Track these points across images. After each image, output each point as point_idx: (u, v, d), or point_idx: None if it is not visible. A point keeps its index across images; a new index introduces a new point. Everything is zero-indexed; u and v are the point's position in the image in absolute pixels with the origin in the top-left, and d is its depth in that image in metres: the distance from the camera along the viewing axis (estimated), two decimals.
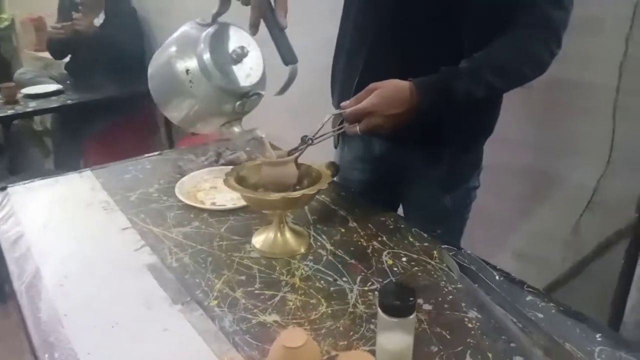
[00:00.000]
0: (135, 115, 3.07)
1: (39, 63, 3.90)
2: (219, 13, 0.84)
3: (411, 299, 0.64)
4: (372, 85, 0.95)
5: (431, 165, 1.14)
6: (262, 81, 0.86)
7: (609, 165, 1.37)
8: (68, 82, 2.85)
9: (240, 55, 0.83)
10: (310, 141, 0.93)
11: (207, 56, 0.81)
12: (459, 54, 0.97)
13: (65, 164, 2.82)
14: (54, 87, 2.65)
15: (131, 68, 2.86)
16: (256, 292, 0.82)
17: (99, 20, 2.79)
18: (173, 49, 0.83)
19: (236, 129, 0.89)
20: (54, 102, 2.49)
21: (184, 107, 0.86)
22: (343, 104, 0.96)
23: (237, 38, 0.85)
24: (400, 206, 1.30)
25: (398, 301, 0.63)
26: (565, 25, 0.97)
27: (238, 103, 0.85)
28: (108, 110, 2.78)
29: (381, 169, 1.21)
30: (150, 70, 0.88)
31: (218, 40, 0.83)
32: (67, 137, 2.86)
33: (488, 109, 1.11)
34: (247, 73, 0.84)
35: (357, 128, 0.94)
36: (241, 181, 0.94)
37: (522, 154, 1.54)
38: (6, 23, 4.59)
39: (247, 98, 0.85)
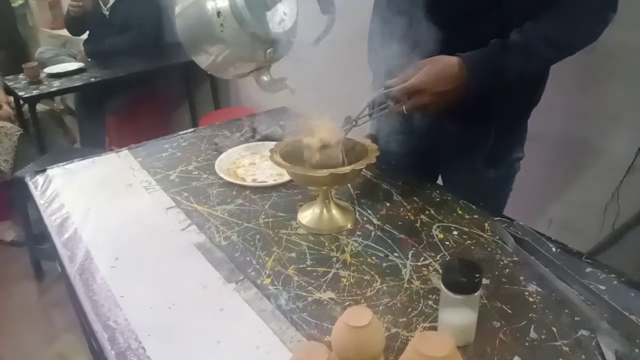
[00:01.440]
0: (157, 90, 3.07)
1: (56, 41, 3.89)
2: None
3: (477, 275, 0.63)
4: (420, 62, 0.92)
5: (474, 138, 1.11)
6: (294, 28, 0.84)
7: None
8: (89, 60, 2.84)
9: (274, 0, 0.80)
10: (354, 122, 0.91)
11: (241, 3, 0.77)
12: (507, 24, 0.93)
13: (90, 143, 2.85)
14: (76, 65, 2.65)
15: (150, 42, 2.85)
16: (308, 269, 0.82)
17: None
18: None
19: (265, 78, 0.87)
20: (77, 81, 2.48)
21: (213, 51, 0.83)
22: (388, 82, 0.93)
23: None
24: (440, 178, 1.28)
25: (463, 278, 0.62)
26: None
27: (269, 50, 0.82)
28: (130, 86, 2.77)
29: (420, 142, 1.18)
30: (177, 9, 0.84)
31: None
32: (91, 115, 2.87)
33: (536, 79, 1.07)
34: (280, 19, 0.82)
35: (404, 107, 0.92)
36: (285, 157, 0.92)
37: (560, 120, 1.50)
38: (20, 2, 4.56)
39: (279, 45, 0.82)
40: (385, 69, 1.12)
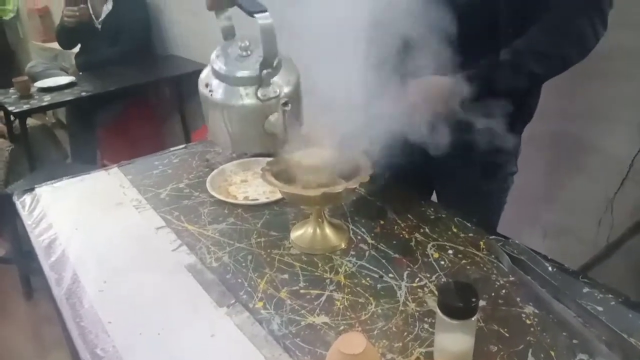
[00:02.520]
0: (148, 103, 3.06)
1: (47, 54, 3.87)
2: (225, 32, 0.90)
3: (473, 299, 0.61)
4: (414, 82, 0.92)
5: (467, 152, 1.11)
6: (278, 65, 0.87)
7: None
8: (80, 73, 2.82)
9: (244, 48, 0.86)
10: (347, 140, 0.90)
11: (215, 64, 0.86)
12: (497, 41, 0.93)
13: (81, 157, 2.82)
14: (67, 79, 2.62)
15: (141, 56, 2.84)
16: (301, 291, 0.81)
17: (107, 7, 2.75)
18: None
19: (272, 118, 0.87)
20: (68, 95, 2.45)
21: (219, 123, 0.89)
22: (381, 102, 0.92)
23: (244, 39, 0.89)
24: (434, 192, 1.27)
25: (460, 302, 0.61)
26: (611, 4, 0.91)
27: (258, 90, 0.85)
28: (121, 100, 2.76)
29: (414, 157, 1.17)
30: None
31: (225, 49, 0.89)
32: (82, 129, 2.84)
33: (529, 95, 1.07)
34: (256, 60, 0.85)
35: (399, 126, 0.90)
36: (277, 174, 0.91)
37: (553, 123, 1.48)
38: (11, 15, 4.54)
39: (262, 81, 0.85)
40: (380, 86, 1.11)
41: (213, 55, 0.89)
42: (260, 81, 0.84)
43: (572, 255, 1.18)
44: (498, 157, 1.14)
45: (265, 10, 0.80)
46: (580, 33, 0.92)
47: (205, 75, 0.91)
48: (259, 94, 0.85)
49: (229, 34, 0.91)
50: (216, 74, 0.87)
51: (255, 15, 0.79)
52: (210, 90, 0.87)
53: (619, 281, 1.56)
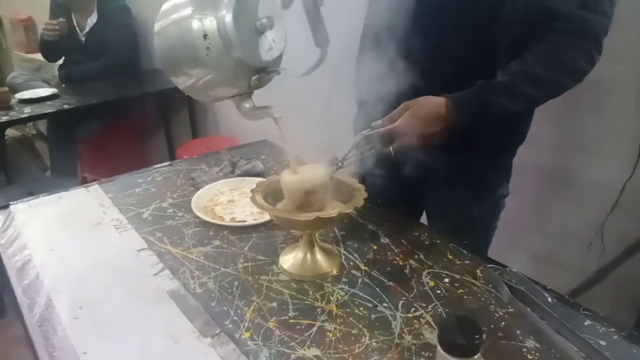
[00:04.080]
0: (131, 117, 3.00)
1: (30, 65, 3.79)
2: None
3: (477, 336, 0.58)
4: (405, 104, 0.90)
5: (458, 174, 1.09)
6: (281, 57, 0.79)
7: (638, 165, 1.32)
8: (63, 85, 2.76)
9: (265, 26, 0.75)
10: (340, 164, 0.87)
11: (229, 22, 0.71)
12: (493, 62, 0.92)
13: (61, 170, 2.75)
14: (48, 91, 2.56)
15: (125, 68, 2.80)
16: (291, 321, 0.76)
17: (92, 20, 2.70)
18: (189, 7, 0.73)
19: (246, 105, 0.80)
20: (49, 107, 2.38)
21: (194, 74, 0.76)
22: (374, 123, 0.91)
23: (265, 7, 0.76)
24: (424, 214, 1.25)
25: (462, 339, 0.57)
26: (605, 31, 0.91)
27: (254, 77, 0.77)
28: (104, 114, 2.70)
29: (405, 177, 1.15)
30: (156, 26, 0.77)
31: (243, 5, 0.73)
32: (63, 142, 2.77)
33: (522, 118, 1.06)
34: (268, 46, 0.77)
35: (391, 149, 0.90)
36: (267, 196, 0.87)
37: (543, 151, 1.48)
38: None
39: (265, 73, 0.77)
40: (371, 102, 1.09)
41: (229, 14, 0.72)
42: (261, 70, 0.77)
43: (559, 281, 1.15)
44: (490, 180, 1.13)
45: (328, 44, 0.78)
46: (575, 58, 0.91)
47: (204, 14, 0.73)
48: (253, 81, 0.77)
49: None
50: (226, 39, 0.72)
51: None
52: (207, 48, 0.73)
53: (609, 307, 1.55)
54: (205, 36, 0.72)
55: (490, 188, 1.13)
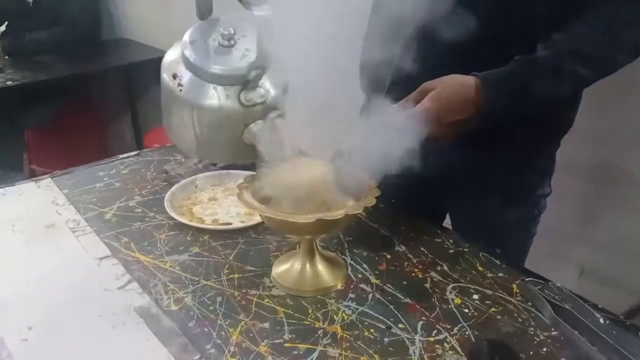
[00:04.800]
0: (91, 98, 3.00)
1: None
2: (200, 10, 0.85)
3: None
4: (427, 85, 0.89)
5: (489, 170, 1.09)
6: (261, 62, 0.84)
7: None
8: (6, 57, 2.76)
9: (228, 37, 0.83)
10: (346, 156, 0.87)
11: (189, 52, 0.82)
12: (530, 33, 0.92)
13: (4, 160, 2.76)
14: None
15: (85, 39, 2.79)
16: (286, 345, 0.76)
17: None
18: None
19: (253, 127, 0.83)
20: None
21: (187, 124, 0.85)
22: (389, 109, 0.90)
23: (227, 25, 0.85)
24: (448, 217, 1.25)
25: None
26: None
27: (241, 93, 0.82)
28: (57, 93, 2.71)
29: (425, 175, 1.16)
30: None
31: (203, 33, 0.84)
32: (6, 127, 2.78)
33: (569, 100, 1.06)
34: (241, 54, 0.83)
35: (409, 139, 0.88)
36: (257, 194, 0.87)
37: (590, 147, 1.49)
38: None
39: (249, 82, 0.82)
40: (382, 89, 1.09)
41: (186, 38, 0.84)
42: (245, 82, 0.81)
43: (612, 299, 1.16)
44: (528, 177, 1.13)
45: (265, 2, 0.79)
46: (632, 30, 0.91)
47: (172, 60, 0.86)
48: (243, 98, 0.81)
49: (205, 10, 0.88)
50: (189, 65, 0.83)
51: (254, 8, 0.78)
52: (179, 85, 0.83)
53: None
54: (174, 76, 0.83)
55: (528, 187, 1.14)
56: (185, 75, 0.82)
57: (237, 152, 0.88)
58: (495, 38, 0.92)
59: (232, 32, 0.83)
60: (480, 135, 0.93)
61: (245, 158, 0.89)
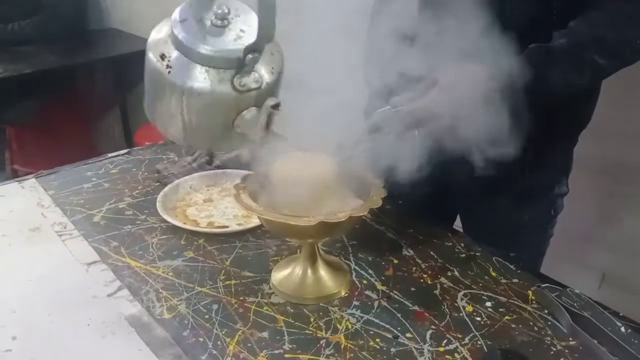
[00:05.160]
0: (77, 92, 3.00)
1: None
2: None
3: None
4: (433, 76, 0.90)
5: (503, 169, 1.09)
6: (258, 44, 0.83)
7: None
8: None
9: (222, 16, 0.81)
10: (350, 153, 0.88)
11: (179, 30, 0.80)
12: (547, 20, 0.94)
13: None
14: None
15: (70, 28, 2.80)
16: (287, 355, 0.78)
17: None
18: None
19: (246, 115, 0.83)
20: None
21: (174, 110, 0.83)
22: (395, 99, 0.91)
23: (221, 3, 0.83)
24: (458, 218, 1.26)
25: None
26: None
27: (235, 77, 0.81)
28: (40, 87, 2.71)
29: (432, 172, 1.16)
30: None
31: (194, 11, 0.83)
32: None
33: (587, 93, 1.07)
34: (235, 36, 0.82)
35: (416, 133, 0.90)
36: (255, 195, 0.88)
37: (611, 144, 1.49)
38: None
39: (244, 66, 0.81)
40: (388, 84, 1.09)
41: (176, 16, 0.83)
42: (240, 66, 0.81)
43: (633, 307, 1.16)
44: (544, 176, 1.14)
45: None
46: None
47: (159, 38, 0.84)
48: (237, 83, 0.81)
49: None
50: (179, 45, 0.82)
51: None
52: (168, 66, 0.82)
53: None
54: (162, 56, 0.81)
55: (543, 186, 1.15)
56: (174, 55, 0.82)
57: (227, 140, 0.87)
58: (509, 28, 0.93)
59: (226, 11, 0.82)
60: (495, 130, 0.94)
61: (235, 147, 0.90)
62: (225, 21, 0.82)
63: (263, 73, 0.84)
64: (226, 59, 0.81)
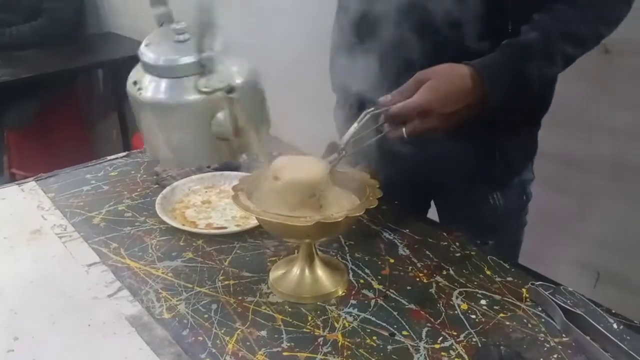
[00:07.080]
0: (76, 96, 3.01)
1: None
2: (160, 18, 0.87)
3: None
4: (421, 75, 0.91)
5: (472, 153, 1.10)
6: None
7: None
8: None
9: (181, 31, 0.83)
10: (343, 152, 0.88)
11: (143, 53, 0.84)
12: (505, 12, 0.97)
13: None
14: None
15: (69, 32, 2.80)
16: (285, 354, 0.78)
17: None
18: None
19: (220, 116, 0.83)
20: None
21: (156, 130, 0.86)
22: (383, 99, 0.91)
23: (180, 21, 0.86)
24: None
25: None
26: None
27: (199, 80, 0.81)
28: (40, 91, 2.71)
29: (405, 160, 1.17)
30: None
31: (159, 35, 0.86)
32: None
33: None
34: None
35: (403, 131, 0.90)
36: (252, 196, 0.89)
37: (589, 136, 1.50)
38: None
39: (204, 67, 0.82)
40: (354, 87, 1.10)
41: (142, 47, 0.85)
42: (200, 69, 0.82)
43: (627, 304, 1.16)
44: (512, 160, 1.16)
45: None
46: (613, 5, 0.97)
47: (134, 71, 0.88)
48: (201, 85, 0.81)
49: (165, 20, 0.89)
50: (146, 67, 0.84)
51: None
52: (139, 89, 0.84)
53: None
54: (134, 82, 0.85)
55: (513, 170, 1.17)
56: (145, 79, 0.84)
57: (212, 150, 0.87)
58: (472, 21, 0.94)
59: (184, 25, 0.83)
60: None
61: (225, 157, 0.90)
62: (187, 34, 0.83)
63: (230, 73, 0.84)
64: (185, 66, 0.81)
